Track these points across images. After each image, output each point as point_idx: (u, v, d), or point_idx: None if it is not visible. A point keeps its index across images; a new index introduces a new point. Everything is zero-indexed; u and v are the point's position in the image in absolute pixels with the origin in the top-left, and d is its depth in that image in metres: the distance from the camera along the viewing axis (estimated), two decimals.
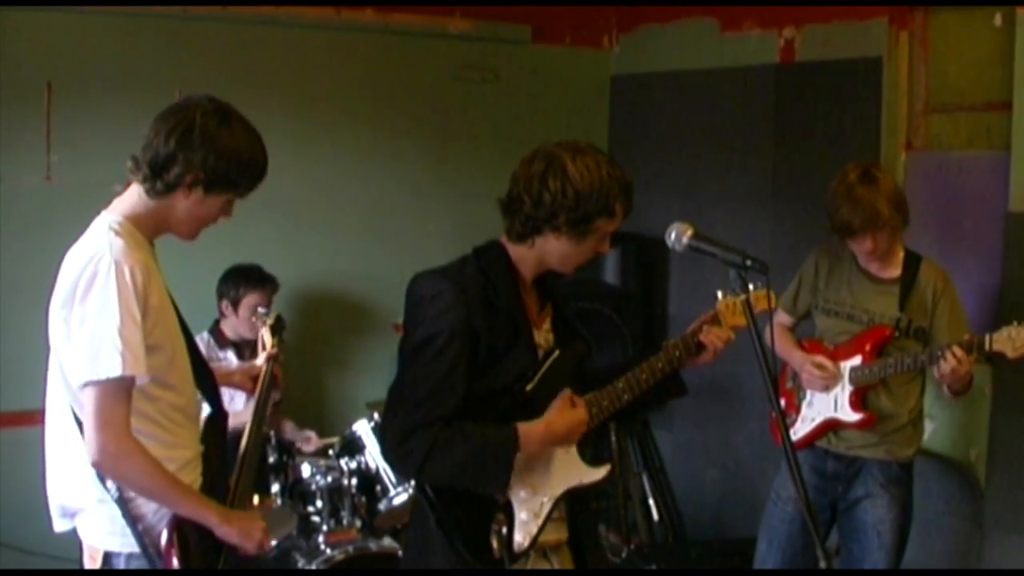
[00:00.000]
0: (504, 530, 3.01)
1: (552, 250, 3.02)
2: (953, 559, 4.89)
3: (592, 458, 3.19)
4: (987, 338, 3.85)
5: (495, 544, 2.99)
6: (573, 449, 3.14)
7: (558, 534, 3.17)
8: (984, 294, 4.65)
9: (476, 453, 2.94)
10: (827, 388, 4.21)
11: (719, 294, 3.39)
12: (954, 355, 3.87)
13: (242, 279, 5.25)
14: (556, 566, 3.18)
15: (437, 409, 2.91)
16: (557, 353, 3.13)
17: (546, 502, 3.09)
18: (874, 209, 4.02)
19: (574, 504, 3.20)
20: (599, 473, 3.18)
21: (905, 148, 5.18)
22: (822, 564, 2.71)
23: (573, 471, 3.14)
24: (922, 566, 4.80)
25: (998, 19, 4.78)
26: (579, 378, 3.18)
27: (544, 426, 3.03)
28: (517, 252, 3.07)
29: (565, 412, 3.07)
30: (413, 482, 3.14)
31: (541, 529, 3.08)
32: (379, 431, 3.09)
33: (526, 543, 3.06)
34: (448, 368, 2.92)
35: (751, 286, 2.93)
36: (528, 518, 3.06)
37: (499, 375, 3.01)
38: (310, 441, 5.23)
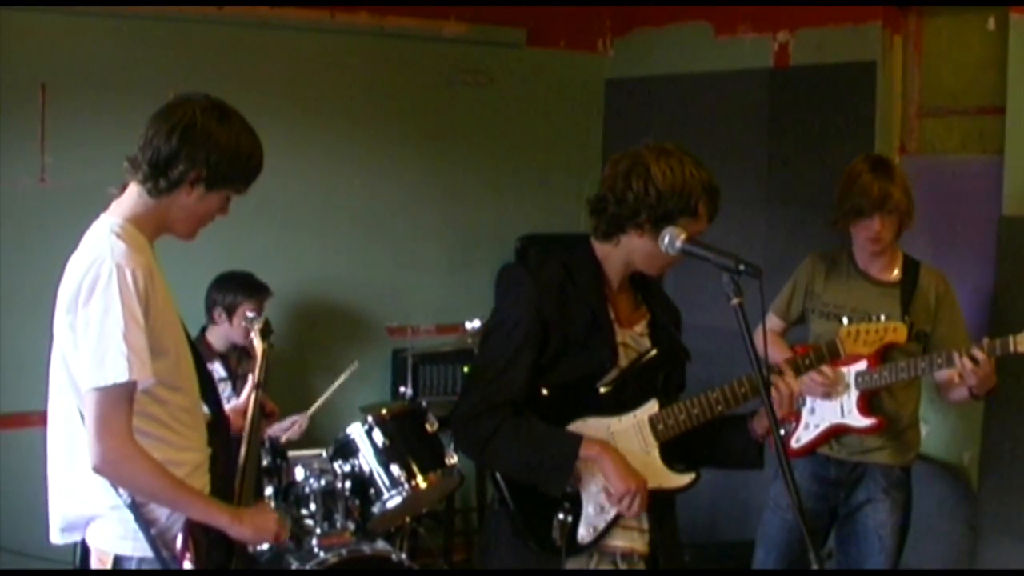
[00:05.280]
0: (569, 519, 3.02)
1: (636, 249, 3.06)
2: (947, 562, 4.90)
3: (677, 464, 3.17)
4: (1011, 340, 3.82)
5: (557, 532, 3.00)
6: (655, 451, 3.12)
7: (631, 543, 3.14)
8: (978, 297, 4.66)
9: (535, 452, 3.00)
10: (828, 395, 4.19)
11: (845, 320, 3.37)
12: (974, 359, 3.84)
13: (238, 287, 5.19)
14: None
15: (501, 393, 3.00)
16: (642, 356, 3.15)
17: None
18: (885, 191, 4.04)
19: (656, 517, 3.17)
20: (681, 480, 3.15)
21: (899, 152, 5.19)
22: (815, 567, 2.71)
23: (652, 473, 3.09)
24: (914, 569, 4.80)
25: (991, 23, 4.80)
26: (670, 388, 3.19)
27: (604, 446, 3.03)
28: (602, 250, 3.12)
29: (630, 467, 3.04)
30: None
31: (608, 527, 3.08)
32: (452, 410, 3.15)
33: (588, 538, 3.06)
34: (513, 353, 3.01)
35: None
36: (595, 513, 3.07)
37: (575, 366, 3.06)
38: (296, 425, 5.19)
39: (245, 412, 3.41)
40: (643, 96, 6.48)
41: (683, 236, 2.95)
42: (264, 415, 3.48)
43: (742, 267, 2.77)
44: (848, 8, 5.29)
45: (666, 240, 2.96)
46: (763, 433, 3.15)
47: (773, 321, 4.42)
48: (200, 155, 2.86)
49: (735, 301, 2.75)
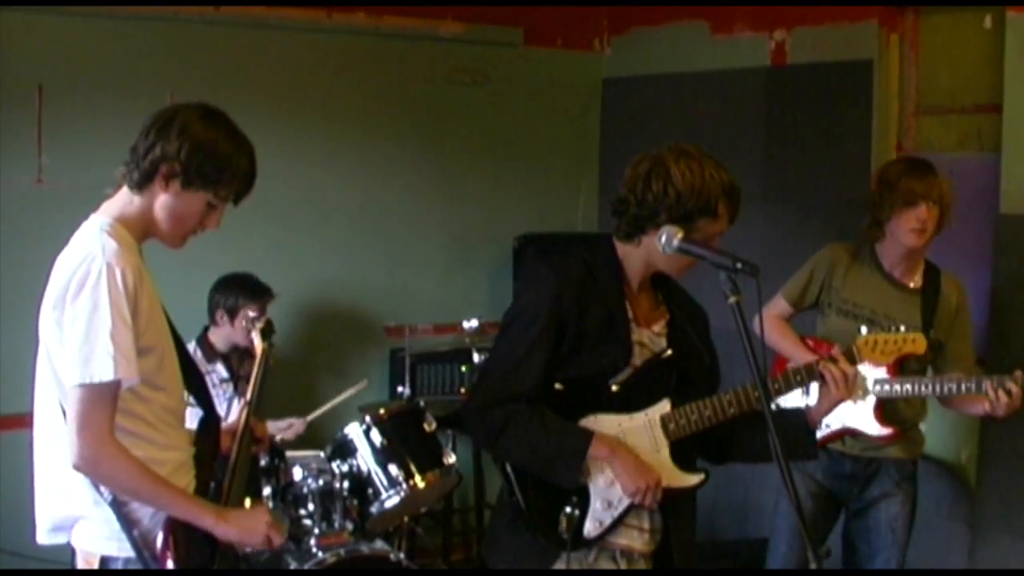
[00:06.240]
0: (576, 513, 3.04)
1: (657, 249, 3.06)
2: (945, 561, 4.90)
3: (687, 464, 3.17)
4: None
5: (563, 525, 3.02)
6: (665, 450, 3.13)
7: (631, 541, 3.14)
8: (975, 296, 4.65)
9: (547, 443, 3.03)
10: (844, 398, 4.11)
11: (863, 329, 3.40)
12: (1008, 392, 3.82)
13: (240, 290, 5.16)
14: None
15: (515, 386, 3.04)
16: (657, 356, 3.16)
17: (624, 498, 3.09)
18: (933, 181, 4.05)
19: (670, 515, 3.17)
20: (690, 479, 3.15)
21: (896, 150, 5.19)
22: (813, 567, 2.71)
23: (661, 472, 3.10)
24: (913, 567, 4.80)
25: (988, 21, 4.80)
26: (685, 388, 3.18)
27: (615, 444, 3.06)
28: (624, 249, 3.16)
29: (643, 461, 3.07)
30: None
31: (615, 523, 3.09)
32: (464, 402, 3.18)
33: (594, 532, 3.08)
34: (528, 347, 3.04)
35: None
36: (602, 508, 3.08)
37: (589, 363, 3.08)
38: (292, 427, 5.18)
39: (234, 434, 3.32)
40: (640, 95, 6.48)
41: (679, 235, 2.97)
42: (254, 439, 3.45)
43: (739, 265, 2.79)
44: (845, 7, 5.29)
45: (663, 239, 2.98)
46: (818, 420, 3.23)
47: (782, 306, 4.34)
48: (172, 148, 2.87)
49: (732, 299, 2.75)
